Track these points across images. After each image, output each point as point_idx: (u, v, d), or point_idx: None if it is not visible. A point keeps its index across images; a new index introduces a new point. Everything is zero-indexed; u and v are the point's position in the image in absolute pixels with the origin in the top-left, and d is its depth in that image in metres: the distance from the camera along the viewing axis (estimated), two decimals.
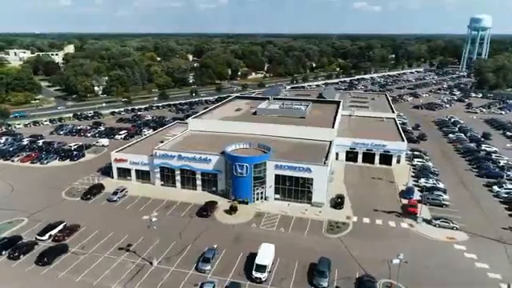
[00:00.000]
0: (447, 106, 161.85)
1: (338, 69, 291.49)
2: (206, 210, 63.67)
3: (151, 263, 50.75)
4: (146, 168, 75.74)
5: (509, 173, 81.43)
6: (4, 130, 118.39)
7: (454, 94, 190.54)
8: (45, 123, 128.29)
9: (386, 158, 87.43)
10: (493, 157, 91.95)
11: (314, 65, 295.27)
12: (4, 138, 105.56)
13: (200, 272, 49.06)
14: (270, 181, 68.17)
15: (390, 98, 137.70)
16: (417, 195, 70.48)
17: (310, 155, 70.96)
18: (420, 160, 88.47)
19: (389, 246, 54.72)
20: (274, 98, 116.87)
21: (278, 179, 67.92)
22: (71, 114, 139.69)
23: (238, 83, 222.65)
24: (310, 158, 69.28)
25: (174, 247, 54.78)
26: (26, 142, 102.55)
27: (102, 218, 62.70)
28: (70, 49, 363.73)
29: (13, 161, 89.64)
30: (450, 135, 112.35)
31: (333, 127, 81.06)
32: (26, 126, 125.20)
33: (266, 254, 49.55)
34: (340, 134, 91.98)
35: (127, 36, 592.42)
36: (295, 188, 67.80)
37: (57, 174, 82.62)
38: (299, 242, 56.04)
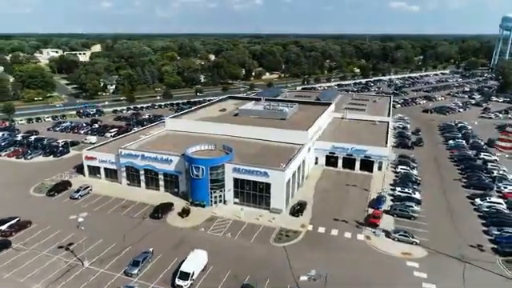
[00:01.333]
0: (460, 110, 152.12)
1: (357, 70, 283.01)
2: (158, 211, 62.59)
3: (83, 264, 50.28)
4: (114, 167, 75.86)
5: (500, 184, 74.60)
6: (8, 124, 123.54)
7: (473, 98, 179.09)
8: (46, 119, 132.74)
9: (367, 164, 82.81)
10: (488, 166, 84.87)
11: (332, 65, 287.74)
12: (1, 133, 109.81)
13: (127, 275, 47.98)
14: (229, 184, 66.16)
15: (393, 101, 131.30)
16: (386, 205, 66.13)
17: (274, 159, 68.15)
18: (404, 167, 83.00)
19: (334, 259, 51.47)
20: (266, 99, 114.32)
21: (237, 183, 65.76)
22: (74, 112, 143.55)
23: (247, 83, 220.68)
24: (274, 161, 66.53)
25: (113, 248, 54.07)
26: (19, 137, 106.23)
27: (57, 215, 63.09)
28: (97, 48, 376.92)
29: (0, 155, 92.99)
30: (450, 141, 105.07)
31: (307, 130, 77.50)
32: (29, 121, 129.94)
33: (193, 261, 47.66)
34: (323, 137, 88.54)
35: (162, 36, 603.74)
36: (253, 192, 65.38)
37: (36, 169, 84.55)
38: (241, 250, 53.65)
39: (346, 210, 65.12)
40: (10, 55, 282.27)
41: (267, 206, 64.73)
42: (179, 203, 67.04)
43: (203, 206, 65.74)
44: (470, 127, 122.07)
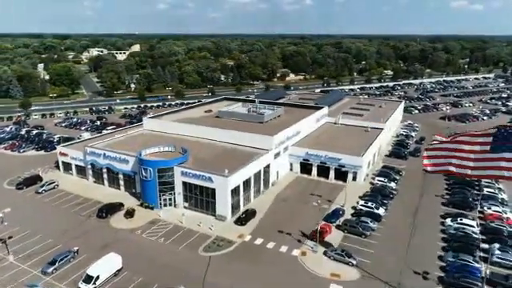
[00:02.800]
0: (485, 118, 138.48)
1: (389, 72, 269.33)
2: (103, 211, 62.97)
3: (9, 258, 51.63)
4: (83, 164, 77.74)
5: (485, 204, 66.36)
6: (23, 119, 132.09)
7: (507, 105, 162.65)
8: (59, 115, 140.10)
9: (342, 174, 77.70)
10: (482, 182, 76.02)
11: (362, 67, 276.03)
12: (10, 127, 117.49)
13: (42, 273, 48.51)
14: (179, 187, 64.99)
15: (412, 106, 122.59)
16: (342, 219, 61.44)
17: (231, 163, 65.85)
18: (382, 179, 76.74)
19: (254, 274, 48.73)
20: (260, 102, 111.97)
21: (186, 186, 64.42)
22: (87, 108, 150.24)
23: (268, 84, 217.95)
24: (229, 166, 64.22)
25: (46, 245, 55.02)
26: (23, 131, 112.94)
27: (13, 208, 65.43)
28: (136, 48, 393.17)
29: None
30: None
31: (273, 136, 74.17)
32: (43, 116, 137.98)
33: (102, 265, 47.05)
34: (301, 142, 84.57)
35: (211, 36, 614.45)
36: (201, 197, 63.69)
37: (22, 162, 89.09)
38: (164, 257, 52.24)
39: (297, 222, 61.23)
40: (45, 54, 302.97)
41: (213, 213, 62.75)
42: (134, 204, 67.15)
43: (152, 208, 65.19)
44: None
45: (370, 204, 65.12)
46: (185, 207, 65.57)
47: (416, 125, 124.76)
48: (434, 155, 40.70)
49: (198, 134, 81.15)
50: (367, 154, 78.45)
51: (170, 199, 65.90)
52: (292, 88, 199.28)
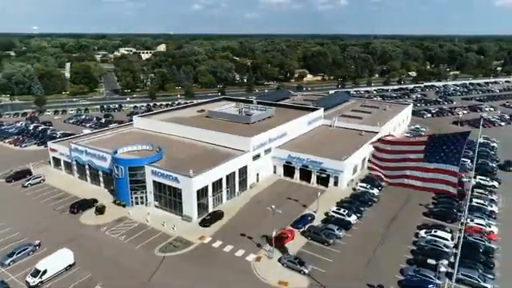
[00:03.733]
0: (502, 124, 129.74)
1: (413, 73, 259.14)
2: (74, 207, 64.47)
3: None
4: (69, 160, 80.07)
5: (469, 216, 61.95)
6: (35, 115, 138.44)
7: None
8: (70, 112, 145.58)
9: (324, 178, 75.30)
10: (474, 193, 71.23)
11: (385, 68, 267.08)
12: (21, 123, 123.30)
13: (0, 265, 50.22)
14: (150, 186, 65.40)
15: (425, 110, 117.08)
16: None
17: (205, 164, 65.48)
18: (365, 185, 73.60)
19: (203, 277, 48.10)
20: (258, 102, 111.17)
21: (157, 186, 64.71)
22: (98, 106, 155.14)
23: (284, 85, 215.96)
24: (203, 166, 63.94)
25: (12, 238, 56.92)
26: (31, 127, 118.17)
27: None
28: (162, 48, 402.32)
29: (4, 141, 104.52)
30: None
31: (250, 137, 73.03)
32: (55, 113, 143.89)
33: (52, 260, 48.02)
34: (286, 145, 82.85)
35: (243, 36, 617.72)
36: (169, 197, 63.75)
37: (20, 156, 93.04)
38: (119, 255, 52.63)
39: (263, 227, 59.57)
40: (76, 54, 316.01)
41: (181, 213, 62.62)
42: (110, 201, 68.34)
43: (124, 206, 66.02)
44: (495, 145, 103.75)
45: (341, 211, 62.56)
46: (156, 206, 65.93)
47: (423, 129, 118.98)
48: (374, 162, 38.48)
49: (182, 134, 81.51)
50: (351, 158, 75.51)
51: (142, 197, 66.48)
52: (304, 89, 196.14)
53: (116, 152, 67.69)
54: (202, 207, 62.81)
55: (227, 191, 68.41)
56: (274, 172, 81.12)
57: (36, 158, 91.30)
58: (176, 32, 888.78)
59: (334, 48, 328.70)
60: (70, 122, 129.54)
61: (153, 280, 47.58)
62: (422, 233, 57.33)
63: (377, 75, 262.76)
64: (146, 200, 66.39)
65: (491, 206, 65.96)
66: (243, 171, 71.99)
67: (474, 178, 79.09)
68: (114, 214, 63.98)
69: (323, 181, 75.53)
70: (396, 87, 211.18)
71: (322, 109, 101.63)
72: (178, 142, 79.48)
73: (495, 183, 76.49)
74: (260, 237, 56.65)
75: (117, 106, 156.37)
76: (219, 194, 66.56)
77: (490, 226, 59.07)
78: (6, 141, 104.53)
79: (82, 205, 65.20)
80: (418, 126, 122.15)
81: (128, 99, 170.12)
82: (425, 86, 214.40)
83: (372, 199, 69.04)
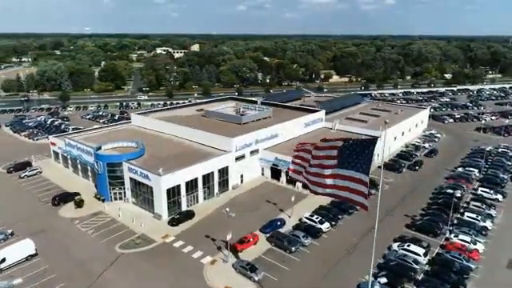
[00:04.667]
0: None
1: (448, 76, 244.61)
2: (56, 199, 66.81)
3: None
4: (65, 154, 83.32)
5: (456, 231, 56.92)
6: (59, 110, 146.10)
7: None
8: (90, 108, 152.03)
9: None
10: (470, 206, 65.50)
11: (417, 70, 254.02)
12: (40, 117, 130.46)
13: None
14: (128, 183, 66.34)
15: (446, 115, 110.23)
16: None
17: (184, 162, 65.64)
18: None
19: (152, 276, 47.81)
20: (262, 103, 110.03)
21: (133, 182, 65.52)
22: (118, 103, 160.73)
23: (309, 86, 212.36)
24: (180, 165, 64.17)
25: None
26: (48, 121, 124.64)
27: None
28: (195, 47, 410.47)
29: (20, 134, 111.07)
30: (459, 169, 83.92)
31: (232, 138, 71.91)
32: (77, 109, 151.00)
33: (12, 250, 49.93)
34: (276, 147, 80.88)
35: (284, 37, 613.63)
36: (144, 194, 64.29)
37: (30, 149, 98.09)
38: (81, 249, 53.64)
39: (231, 229, 58.24)
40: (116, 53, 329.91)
41: (152, 210, 62.96)
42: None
43: (103, 201, 67.50)
44: None
45: (314, 217, 59.83)
46: (133, 203, 66.81)
47: (438, 135, 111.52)
48: (295, 162, 36.44)
49: (173, 132, 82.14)
50: None
51: (120, 193, 67.60)
52: (325, 90, 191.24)
53: (100, 148, 69.38)
54: (174, 206, 62.74)
55: (204, 191, 67.85)
56: (262, 174, 79.52)
57: (44, 150, 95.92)
58: (218, 32, 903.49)
59: (367, 49, 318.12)
60: (87, 117, 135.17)
61: (103, 276, 48.03)
62: (395, 246, 53.44)
63: (408, 77, 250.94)
64: (125, 196, 67.46)
65: (485, 222, 60.12)
66: (224, 172, 71.12)
67: (476, 189, 72.96)
68: (91, 208, 65.57)
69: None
70: (425, 90, 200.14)
71: (324, 111, 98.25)
72: (168, 140, 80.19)
73: (499, 196, 69.76)
74: (222, 240, 55.44)
75: (135, 103, 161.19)
76: (194, 193, 66.15)
77: (475, 244, 53.81)
78: (22, 134, 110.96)
79: (63, 197, 67.46)
80: (433, 131, 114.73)
81: (146, 97, 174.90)
82: (457, 90, 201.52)
83: (354, 207, 65.41)
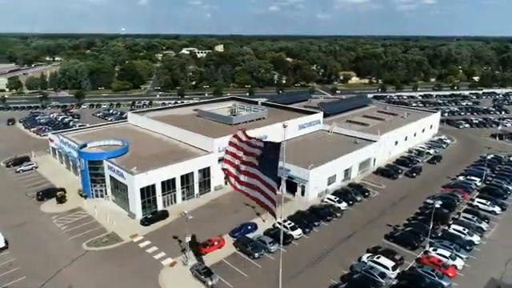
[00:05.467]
0: None
1: (476, 78, 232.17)
2: (39, 194, 68.50)
3: None
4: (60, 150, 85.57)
5: (437, 245, 53.15)
6: (72, 107, 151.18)
7: None
8: (103, 106, 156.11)
9: (293, 187, 70.49)
10: (460, 217, 61.07)
11: (443, 72, 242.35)
12: (52, 114, 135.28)
13: None
14: (108, 180, 67.02)
15: (463, 119, 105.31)
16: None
17: (165, 162, 65.68)
18: (333, 198, 67.15)
19: (110, 275, 47.85)
20: (262, 104, 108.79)
21: (112, 180, 66.05)
22: (130, 102, 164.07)
23: (327, 87, 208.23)
24: (159, 164, 64.30)
25: None
26: (59, 118, 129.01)
27: None
28: (220, 48, 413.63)
29: (30, 130, 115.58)
30: (460, 178, 78.80)
31: (213, 138, 70.93)
32: (91, 106, 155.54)
33: None
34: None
35: (317, 38, 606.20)
36: (121, 192, 64.61)
37: (36, 144, 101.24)
38: (49, 244, 54.61)
39: (201, 231, 57.52)
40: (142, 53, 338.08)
41: (128, 209, 63.19)
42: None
43: (85, 197, 68.56)
44: None
45: (286, 223, 57.79)
46: (113, 201, 67.37)
47: (447, 141, 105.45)
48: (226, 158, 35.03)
49: (163, 131, 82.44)
50: (323, 167, 69.50)
51: (102, 191, 68.37)
52: (338, 91, 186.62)
53: (85, 145, 70.65)
54: (149, 205, 62.66)
55: (183, 192, 67.37)
56: None
57: (48, 146, 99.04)
58: (249, 33, 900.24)
59: (393, 50, 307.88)
60: (97, 115, 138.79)
61: (62, 272, 48.43)
62: (364, 257, 50.55)
63: (433, 79, 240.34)
64: (106, 194, 68.17)
65: (472, 236, 55.77)
66: (206, 172, 70.37)
67: (473, 200, 68.08)
68: (72, 204, 66.70)
69: (292, 189, 70.76)
70: (447, 93, 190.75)
71: (321, 113, 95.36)
72: (157, 139, 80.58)
73: (496, 209, 64.66)
74: (187, 242, 54.59)
75: (147, 102, 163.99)
76: (172, 193, 65.79)
77: (454, 259, 49.93)
78: (32, 129, 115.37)
79: (47, 193, 69.08)
80: (443, 136, 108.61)
81: (158, 96, 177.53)
82: (483, 93, 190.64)
83: (334, 214, 62.70)
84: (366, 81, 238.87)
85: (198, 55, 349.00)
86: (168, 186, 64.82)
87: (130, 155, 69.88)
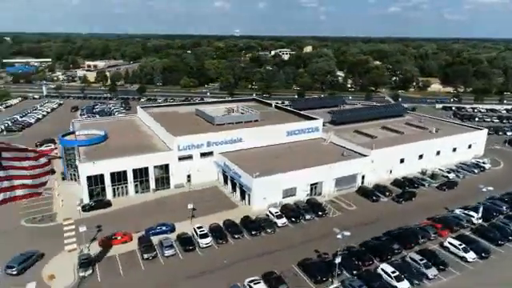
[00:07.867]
0: None
1: None
2: None
3: None
4: None
5: (347, 282, 44.76)
6: (131, 101, 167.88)
7: None
8: (158, 100, 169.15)
9: (243, 194, 66.90)
10: (405, 258, 49.93)
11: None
12: (108, 105, 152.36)
13: None
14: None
15: (480, 136, 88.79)
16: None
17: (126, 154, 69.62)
18: (273, 212, 61.34)
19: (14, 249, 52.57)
20: (275, 106, 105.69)
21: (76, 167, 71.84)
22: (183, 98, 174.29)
23: (386, 92, 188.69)
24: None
25: None
26: (111, 109, 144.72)
27: None
28: (309, 49, 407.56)
29: (81, 117, 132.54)
30: (457, 211, 63.86)
31: (176, 136, 71.17)
32: (148, 100, 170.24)
33: None
34: (237, 154, 76.79)
35: (444, 40, 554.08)
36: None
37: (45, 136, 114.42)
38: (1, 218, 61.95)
39: (131, 224, 58.89)
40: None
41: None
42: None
43: (63, 179, 76.22)
44: None
45: (199, 230, 55.22)
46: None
47: (487, 165, 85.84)
48: None
49: (152, 126, 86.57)
50: (273, 177, 63.98)
51: (75, 175, 75.02)
52: (400, 99, 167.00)
53: (71, 133, 78.58)
54: (98, 194, 66.63)
55: (136, 185, 69.66)
56: (217, 178, 76.54)
57: None
58: (362, 35, 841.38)
59: (503, 55, 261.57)
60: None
61: None
62: (247, 281, 45.33)
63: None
64: (78, 178, 74.56)
65: (398, 282, 45.18)
66: (164, 169, 71.49)
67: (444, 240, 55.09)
68: (49, 184, 74.52)
69: (243, 196, 67.17)
70: (492, 106, 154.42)
71: (321, 120, 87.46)
72: (142, 132, 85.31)
73: (469, 255, 50.97)
74: (96, 232, 56.57)
75: (198, 99, 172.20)
76: (123, 185, 68.57)
77: None
78: (82, 116, 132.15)
79: None
80: (486, 159, 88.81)
81: (208, 94, 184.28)
82: None
83: (264, 228, 57.43)
84: (451, 89, 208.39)
85: (285, 57, 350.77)
86: (118, 177, 67.83)
87: (104, 145, 75.25)
